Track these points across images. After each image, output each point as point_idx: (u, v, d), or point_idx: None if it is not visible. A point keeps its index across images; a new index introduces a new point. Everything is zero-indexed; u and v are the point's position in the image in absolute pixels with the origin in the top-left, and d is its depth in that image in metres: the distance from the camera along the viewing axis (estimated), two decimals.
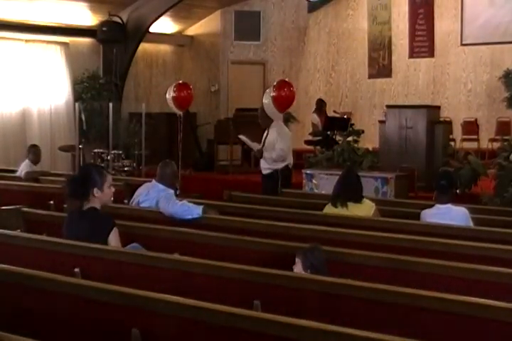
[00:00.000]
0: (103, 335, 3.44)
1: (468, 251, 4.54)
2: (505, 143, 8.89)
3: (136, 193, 6.29)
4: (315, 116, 13.24)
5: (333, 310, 3.54)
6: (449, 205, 5.71)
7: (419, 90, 14.89)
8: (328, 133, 12.01)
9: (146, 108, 12.26)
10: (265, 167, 8.66)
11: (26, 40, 12.99)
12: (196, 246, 4.84)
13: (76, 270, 4.18)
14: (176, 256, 4.42)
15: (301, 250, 4.21)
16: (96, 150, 12.23)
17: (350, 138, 10.75)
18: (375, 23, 15.31)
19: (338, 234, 5.07)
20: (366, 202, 5.92)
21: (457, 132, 13.39)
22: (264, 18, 15.48)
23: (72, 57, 13.62)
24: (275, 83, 10.42)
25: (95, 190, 4.51)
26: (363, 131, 11.00)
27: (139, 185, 6.43)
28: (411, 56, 14.90)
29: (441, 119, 11.51)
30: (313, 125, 13.30)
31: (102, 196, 4.55)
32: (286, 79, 11.07)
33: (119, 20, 13.52)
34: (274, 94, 10.06)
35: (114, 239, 4.50)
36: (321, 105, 13.42)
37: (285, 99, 10.09)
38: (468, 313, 3.24)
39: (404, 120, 10.59)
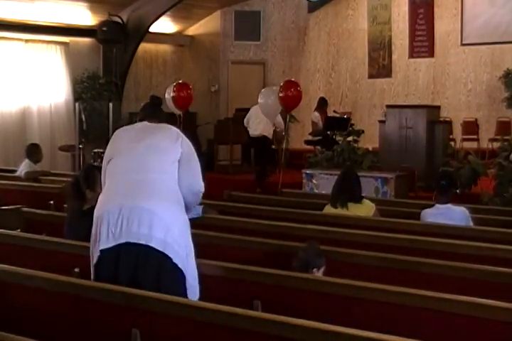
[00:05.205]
0: (103, 335, 3.44)
1: (468, 251, 4.53)
2: (505, 143, 8.90)
3: None
4: (316, 114, 13.20)
5: (333, 310, 3.54)
6: (448, 205, 5.71)
7: (419, 90, 14.88)
8: (328, 133, 12.01)
9: None
10: None
11: (26, 40, 12.98)
12: (196, 246, 4.83)
13: (76, 270, 4.18)
14: None
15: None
16: (96, 150, 12.21)
17: (350, 138, 10.75)
18: (375, 23, 15.30)
19: (338, 234, 5.07)
20: (366, 202, 5.90)
21: (457, 132, 13.39)
22: (264, 18, 15.47)
23: (72, 57, 13.61)
24: (282, 83, 10.57)
25: (99, 190, 4.52)
26: (363, 131, 11.00)
27: None
28: (411, 56, 14.89)
29: (441, 119, 11.51)
30: (313, 123, 13.27)
31: None
32: (293, 79, 11.13)
33: (119, 20, 13.52)
34: (281, 94, 10.25)
35: None
36: (322, 103, 13.38)
37: (292, 99, 10.25)
38: (468, 313, 3.24)
39: (404, 120, 10.60)
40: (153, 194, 3.75)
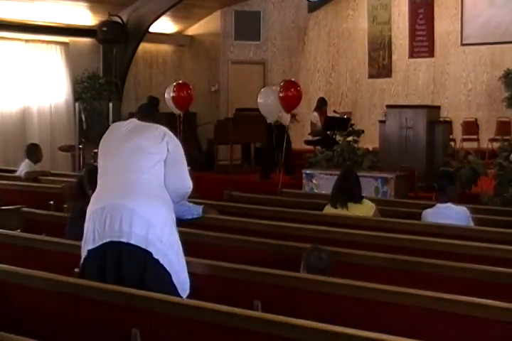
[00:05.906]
0: (103, 335, 3.44)
1: (468, 251, 4.54)
2: (505, 143, 8.89)
3: None
4: (315, 114, 13.19)
5: (333, 310, 3.54)
6: (449, 204, 5.70)
7: (419, 90, 14.88)
8: (328, 133, 12.00)
9: None
10: None
11: (26, 40, 12.97)
12: (196, 246, 4.84)
13: (76, 270, 4.18)
14: None
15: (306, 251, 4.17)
16: (96, 150, 12.17)
17: (350, 138, 10.75)
18: (375, 23, 15.31)
19: (338, 234, 5.07)
20: (366, 202, 5.90)
21: (457, 132, 13.39)
22: (264, 18, 15.47)
23: (72, 57, 13.61)
24: (282, 83, 10.60)
25: None
26: (363, 131, 10.99)
27: None
28: (411, 56, 14.90)
29: (441, 119, 11.50)
30: (312, 124, 13.27)
31: None
32: (293, 79, 11.14)
33: (119, 20, 13.51)
34: (281, 94, 10.30)
35: None
36: (321, 104, 13.38)
37: (292, 99, 10.30)
38: (467, 313, 3.24)
39: (404, 120, 10.60)
40: (136, 193, 3.79)
